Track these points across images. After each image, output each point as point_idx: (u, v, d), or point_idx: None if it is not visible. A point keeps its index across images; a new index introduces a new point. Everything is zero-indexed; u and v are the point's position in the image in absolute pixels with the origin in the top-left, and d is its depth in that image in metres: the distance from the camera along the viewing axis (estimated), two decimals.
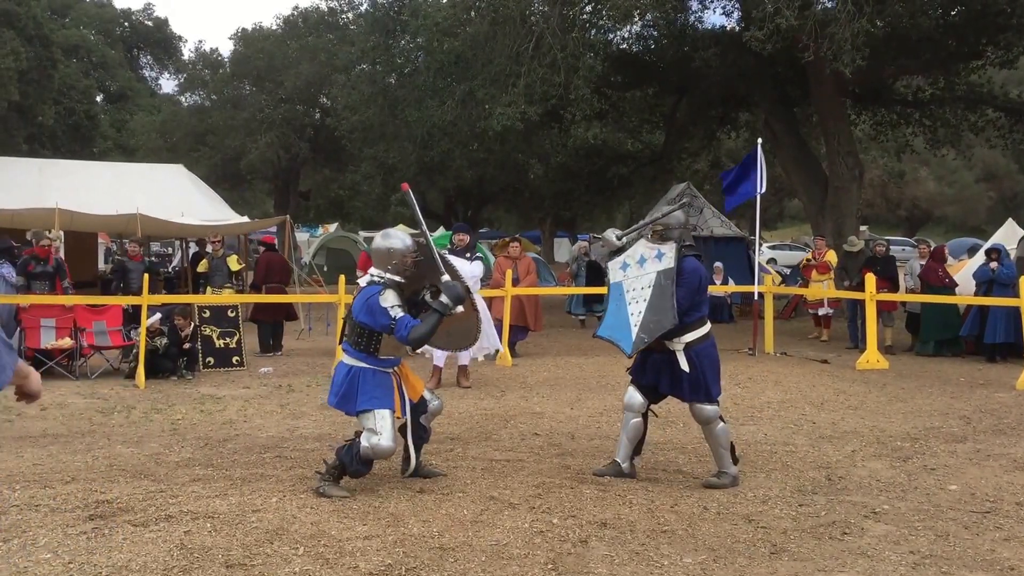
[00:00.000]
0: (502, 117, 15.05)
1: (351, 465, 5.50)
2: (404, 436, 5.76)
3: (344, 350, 5.74)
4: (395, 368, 5.75)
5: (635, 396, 5.96)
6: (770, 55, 14.37)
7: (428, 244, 5.78)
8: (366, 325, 5.56)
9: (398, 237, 5.75)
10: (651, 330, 5.69)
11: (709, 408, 5.81)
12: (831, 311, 15.08)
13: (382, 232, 5.93)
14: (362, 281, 5.81)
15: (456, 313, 5.56)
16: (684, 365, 5.72)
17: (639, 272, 5.87)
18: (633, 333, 5.76)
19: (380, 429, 5.47)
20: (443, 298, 5.50)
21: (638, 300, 5.80)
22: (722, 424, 5.87)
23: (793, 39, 13.63)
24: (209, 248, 14.40)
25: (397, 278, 5.64)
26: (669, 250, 5.76)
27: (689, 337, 5.75)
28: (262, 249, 15.14)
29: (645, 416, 6.02)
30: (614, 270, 6.08)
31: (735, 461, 5.92)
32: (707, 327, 5.89)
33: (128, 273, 12.54)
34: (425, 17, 16.88)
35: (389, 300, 5.49)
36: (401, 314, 5.44)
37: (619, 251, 6.11)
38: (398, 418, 5.66)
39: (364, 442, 5.47)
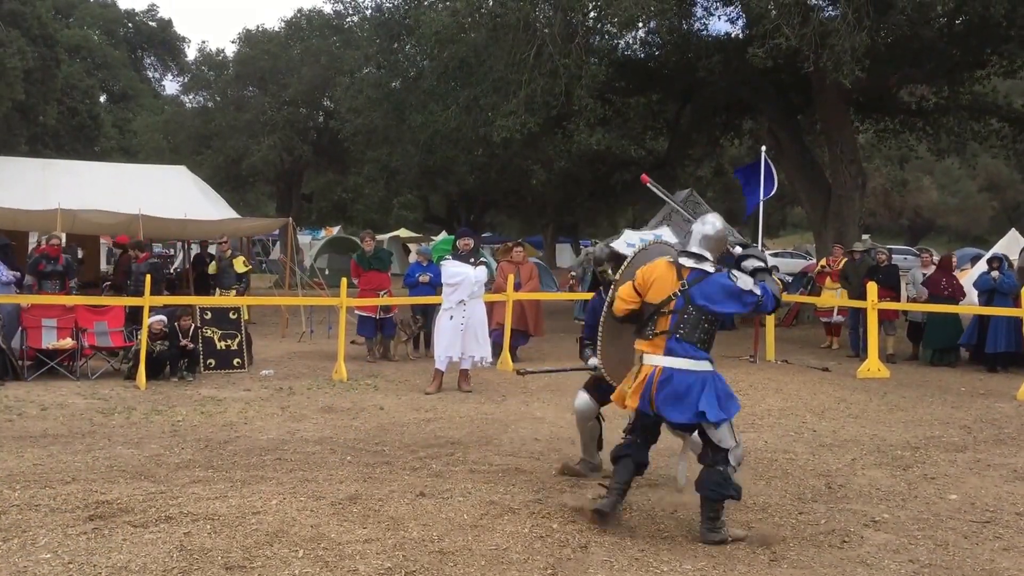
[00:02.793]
0: (502, 128, 15.04)
1: (727, 491, 4.96)
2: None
3: (674, 351, 5.00)
4: None
5: (586, 401, 6.23)
6: (771, 66, 14.37)
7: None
8: (726, 313, 5.19)
9: (712, 223, 5.31)
10: None
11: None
12: (843, 319, 14.95)
13: (700, 219, 5.39)
14: (710, 266, 5.15)
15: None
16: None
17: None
18: None
19: (737, 438, 5.05)
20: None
21: None
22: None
23: (793, 52, 13.63)
24: (212, 249, 14.35)
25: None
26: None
27: None
28: (118, 251, 14.15)
29: (598, 417, 6.27)
30: None
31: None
32: None
33: (133, 274, 12.59)
34: (425, 25, 16.90)
35: (746, 281, 5.07)
36: (755, 286, 5.07)
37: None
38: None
39: (732, 461, 4.99)
